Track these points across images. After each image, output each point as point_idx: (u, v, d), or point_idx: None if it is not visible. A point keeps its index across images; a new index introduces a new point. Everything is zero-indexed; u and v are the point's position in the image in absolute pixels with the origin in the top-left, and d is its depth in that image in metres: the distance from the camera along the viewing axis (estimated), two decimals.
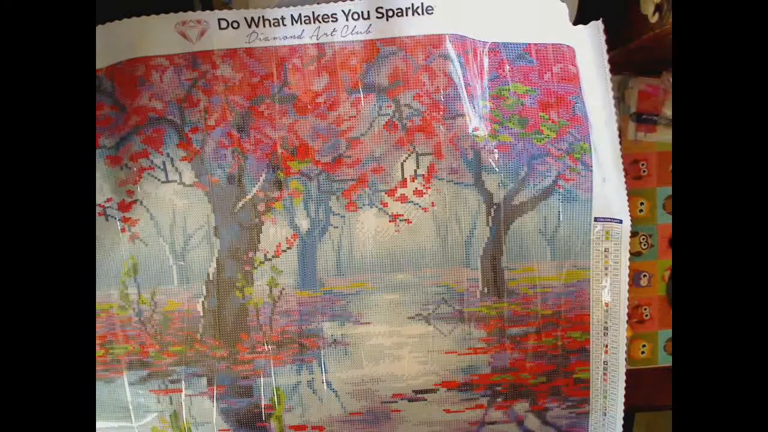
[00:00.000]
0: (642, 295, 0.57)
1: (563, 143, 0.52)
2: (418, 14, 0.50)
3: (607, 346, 0.54)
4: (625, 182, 0.52)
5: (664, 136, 0.55)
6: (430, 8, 0.50)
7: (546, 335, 0.54)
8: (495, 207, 0.53)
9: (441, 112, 0.51)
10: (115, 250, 0.53)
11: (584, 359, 0.55)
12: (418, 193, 0.53)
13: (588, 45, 0.52)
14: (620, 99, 0.56)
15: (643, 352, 0.57)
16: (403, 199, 0.53)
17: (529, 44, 0.51)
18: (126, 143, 0.51)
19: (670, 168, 0.55)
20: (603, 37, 0.51)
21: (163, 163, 0.52)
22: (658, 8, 0.51)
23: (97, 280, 0.53)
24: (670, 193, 0.56)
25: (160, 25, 0.50)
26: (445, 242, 0.53)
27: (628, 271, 0.53)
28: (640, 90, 0.54)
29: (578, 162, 0.52)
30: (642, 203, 0.56)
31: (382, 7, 0.50)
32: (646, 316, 0.57)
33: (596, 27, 0.51)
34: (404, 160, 0.52)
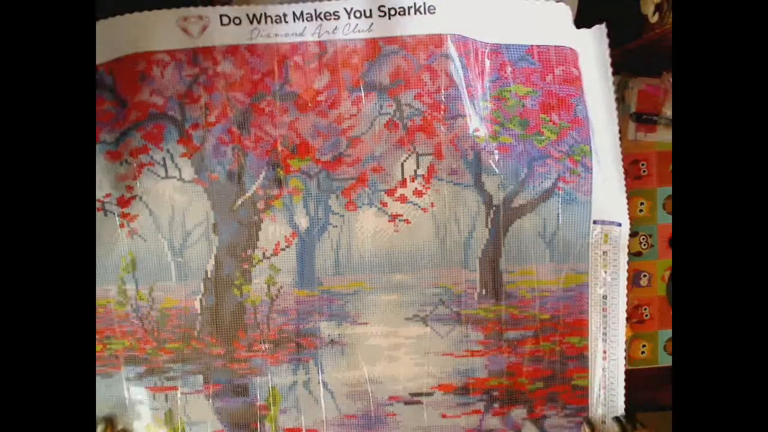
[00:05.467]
0: (642, 295, 0.56)
1: (564, 145, 0.51)
2: (420, 13, 0.50)
3: (605, 352, 0.54)
4: (626, 184, 0.52)
5: (664, 136, 0.55)
6: (432, 8, 0.50)
7: (544, 339, 0.54)
8: (494, 209, 0.52)
9: (442, 113, 0.51)
10: (113, 246, 0.53)
11: (583, 365, 0.54)
12: (418, 193, 0.52)
13: (591, 48, 0.51)
14: (620, 99, 0.55)
15: (643, 352, 0.57)
16: (403, 199, 0.53)
17: (532, 46, 0.51)
18: (126, 138, 0.51)
19: (670, 168, 0.55)
20: (606, 41, 0.51)
21: (163, 159, 0.52)
22: (658, 8, 0.51)
23: (95, 275, 0.53)
24: (670, 193, 0.55)
25: (162, 20, 0.50)
26: (444, 243, 0.53)
27: (626, 275, 0.53)
28: (640, 90, 0.54)
29: (578, 164, 0.52)
30: (642, 203, 0.55)
31: (384, 6, 0.50)
32: (646, 316, 0.57)
33: (600, 30, 0.51)
34: (404, 160, 0.52)
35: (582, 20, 0.50)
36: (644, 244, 0.56)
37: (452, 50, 0.50)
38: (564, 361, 0.54)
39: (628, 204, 0.51)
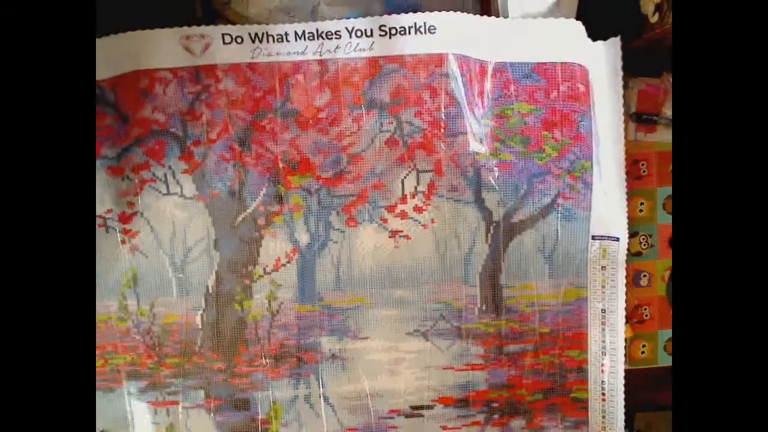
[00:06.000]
0: (642, 295, 0.57)
1: (565, 162, 0.52)
2: (421, 33, 0.50)
3: (604, 366, 0.54)
4: (626, 185, 0.52)
5: (664, 136, 0.55)
6: (432, 28, 0.50)
7: (543, 353, 0.54)
8: (494, 225, 0.53)
9: (442, 130, 0.52)
10: (114, 262, 0.53)
11: (582, 378, 0.55)
12: (418, 209, 0.53)
13: (604, 60, 0.52)
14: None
15: (643, 352, 0.57)
16: (403, 215, 0.53)
17: (538, 63, 0.51)
18: (128, 154, 0.51)
19: (670, 168, 0.56)
20: (620, 53, 0.51)
21: (165, 176, 0.52)
22: (658, 8, 0.52)
23: (96, 291, 0.53)
24: (670, 193, 0.56)
25: (165, 38, 0.50)
26: (444, 259, 0.53)
27: (625, 289, 0.54)
28: (640, 90, 0.55)
29: (578, 180, 0.52)
30: (642, 203, 0.56)
31: (385, 26, 0.50)
32: (646, 316, 0.57)
33: (614, 43, 0.52)
34: (405, 177, 0.53)
35: (582, 21, 0.50)
36: (644, 244, 0.56)
37: (453, 69, 0.51)
38: (563, 373, 0.55)
39: (628, 204, 0.51)
